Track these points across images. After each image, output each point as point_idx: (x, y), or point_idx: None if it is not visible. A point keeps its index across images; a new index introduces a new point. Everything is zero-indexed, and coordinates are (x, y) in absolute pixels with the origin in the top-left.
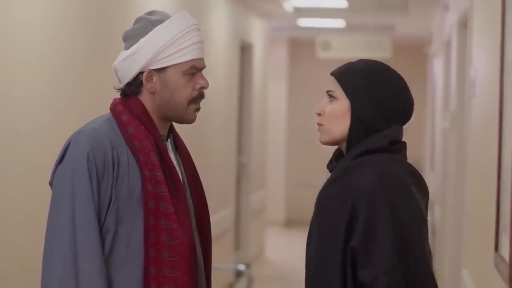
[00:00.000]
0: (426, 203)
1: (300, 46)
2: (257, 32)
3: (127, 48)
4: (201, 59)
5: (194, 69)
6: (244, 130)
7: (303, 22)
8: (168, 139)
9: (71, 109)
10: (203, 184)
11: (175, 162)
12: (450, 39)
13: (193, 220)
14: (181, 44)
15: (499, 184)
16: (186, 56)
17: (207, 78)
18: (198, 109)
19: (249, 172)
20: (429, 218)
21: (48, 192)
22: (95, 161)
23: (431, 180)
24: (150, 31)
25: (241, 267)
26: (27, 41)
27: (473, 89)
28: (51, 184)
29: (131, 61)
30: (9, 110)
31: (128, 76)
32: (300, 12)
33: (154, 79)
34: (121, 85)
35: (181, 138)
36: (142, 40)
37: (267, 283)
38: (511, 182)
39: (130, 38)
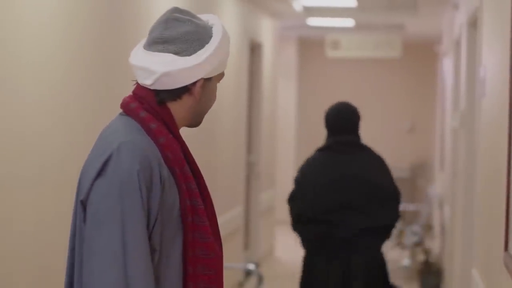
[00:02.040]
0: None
1: (310, 46)
2: (267, 31)
3: (175, 52)
4: None
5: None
6: (254, 129)
7: (313, 21)
8: None
9: (79, 109)
10: (213, 184)
11: None
12: (460, 38)
13: None
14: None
15: (509, 183)
16: (225, 65)
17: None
18: None
19: (258, 171)
20: (438, 217)
21: (58, 193)
22: (145, 180)
23: (441, 179)
24: (208, 37)
25: (251, 266)
26: (35, 41)
27: (483, 88)
28: (84, 201)
29: (195, 70)
30: (17, 111)
31: (180, 84)
32: (310, 11)
33: (202, 87)
34: (151, 87)
35: None
36: (208, 49)
37: (276, 282)
38: None
39: (181, 42)
